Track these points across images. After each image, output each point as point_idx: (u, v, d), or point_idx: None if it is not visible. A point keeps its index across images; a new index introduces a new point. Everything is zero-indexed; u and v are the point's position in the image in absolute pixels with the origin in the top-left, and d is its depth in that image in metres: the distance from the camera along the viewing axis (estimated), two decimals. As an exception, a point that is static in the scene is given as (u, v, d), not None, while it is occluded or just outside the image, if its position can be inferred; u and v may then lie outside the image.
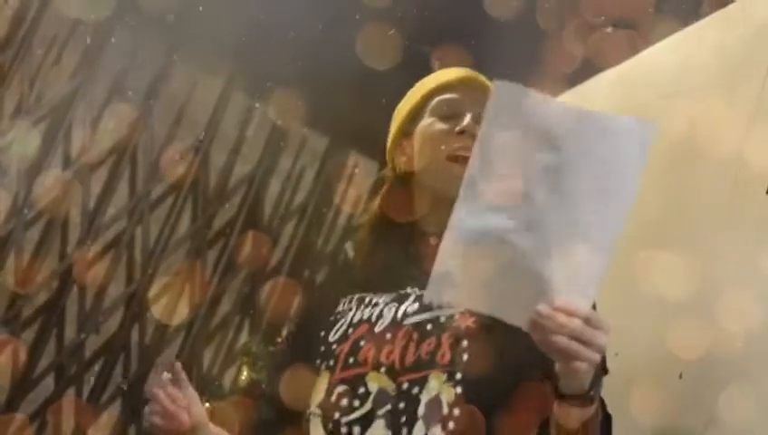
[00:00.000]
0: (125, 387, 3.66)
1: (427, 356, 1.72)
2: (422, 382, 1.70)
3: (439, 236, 1.67)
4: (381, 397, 1.72)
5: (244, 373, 3.29)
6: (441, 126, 1.88)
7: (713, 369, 1.97)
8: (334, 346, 1.81)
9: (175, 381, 1.83)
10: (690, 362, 2.02)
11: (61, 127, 3.71)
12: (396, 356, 1.74)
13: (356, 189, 4.10)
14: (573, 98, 3.10)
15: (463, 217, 1.55)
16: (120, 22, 3.73)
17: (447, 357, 1.70)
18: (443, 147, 1.85)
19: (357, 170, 4.12)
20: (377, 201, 1.96)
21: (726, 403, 1.87)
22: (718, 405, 1.89)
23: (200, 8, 3.60)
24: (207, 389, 3.59)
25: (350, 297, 1.87)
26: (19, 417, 3.52)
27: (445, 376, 1.69)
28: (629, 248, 2.35)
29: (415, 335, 1.74)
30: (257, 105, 3.99)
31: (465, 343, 1.70)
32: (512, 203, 1.53)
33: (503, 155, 1.54)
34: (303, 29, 3.38)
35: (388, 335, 1.76)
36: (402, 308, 1.78)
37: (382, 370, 1.73)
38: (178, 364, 1.83)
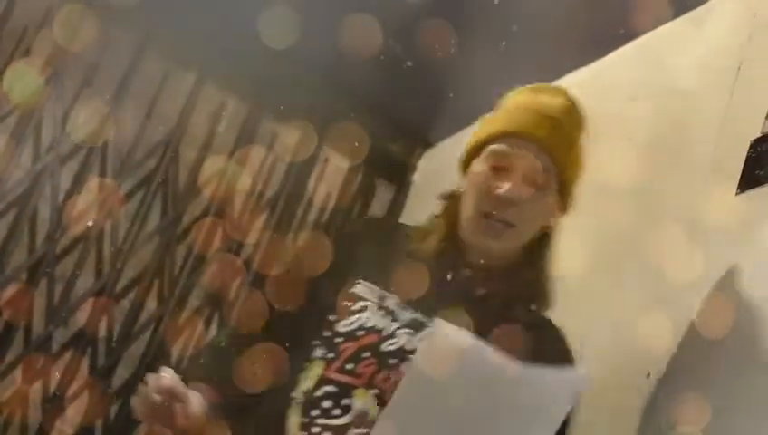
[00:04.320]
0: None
1: None
2: None
3: (455, 270, 1.84)
4: (360, 418, 1.75)
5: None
6: (487, 182, 1.91)
7: (681, 367, 1.98)
8: (340, 339, 1.82)
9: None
10: (658, 360, 2.03)
11: (30, 120, 3.69)
12: (390, 386, 1.75)
13: (326, 185, 4.10)
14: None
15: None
16: (91, 13, 3.70)
17: None
18: (481, 202, 1.91)
19: (328, 165, 4.11)
20: (448, 212, 1.98)
21: (695, 402, 1.89)
22: (688, 404, 1.91)
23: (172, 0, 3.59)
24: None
25: (370, 287, 1.87)
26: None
27: None
28: (597, 252, 2.37)
29: None
30: (228, 99, 3.96)
31: None
32: None
33: (427, 394, 1.57)
34: (276, 23, 3.38)
35: (392, 361, 1.78)
36: (414, 340, 1.79)
37: (373, 391, 1.76)
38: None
